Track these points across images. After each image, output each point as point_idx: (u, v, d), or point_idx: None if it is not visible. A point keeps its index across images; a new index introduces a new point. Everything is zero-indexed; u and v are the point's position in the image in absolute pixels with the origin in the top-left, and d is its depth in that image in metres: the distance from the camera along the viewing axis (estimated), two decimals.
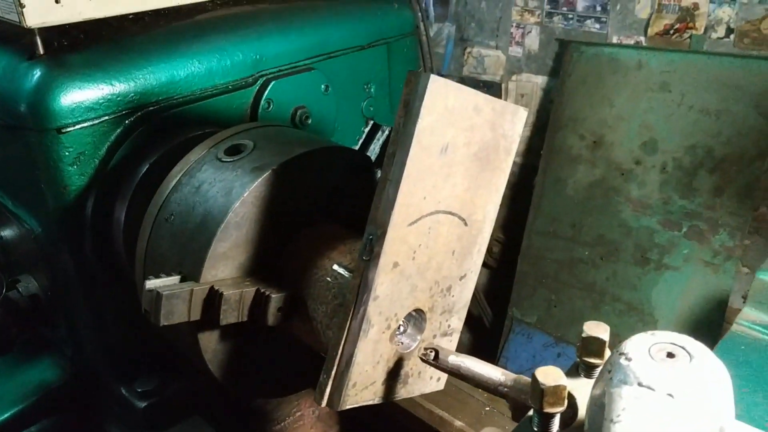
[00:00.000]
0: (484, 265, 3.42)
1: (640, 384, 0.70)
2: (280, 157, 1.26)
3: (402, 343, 1.20)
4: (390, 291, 1.09)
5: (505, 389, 1.07)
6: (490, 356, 2.92)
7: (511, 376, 1.08)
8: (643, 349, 0.74)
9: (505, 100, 3.14)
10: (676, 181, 2.52)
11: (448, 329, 1.28)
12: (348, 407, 1.13)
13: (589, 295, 2.69)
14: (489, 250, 3.34)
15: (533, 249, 2.87)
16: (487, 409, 1.70)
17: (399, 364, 1.20)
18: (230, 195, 1.21)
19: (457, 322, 1.29)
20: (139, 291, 1.37)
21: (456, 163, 1.11)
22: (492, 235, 3.36)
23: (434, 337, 1.25)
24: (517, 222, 3.09)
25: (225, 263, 1.22)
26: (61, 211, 1.50)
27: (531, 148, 3.15)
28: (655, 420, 0.65)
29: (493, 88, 3.21)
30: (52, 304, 1.69)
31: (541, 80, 3.04)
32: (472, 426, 1.64)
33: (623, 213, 2.63)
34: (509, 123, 1.18)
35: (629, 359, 0.73)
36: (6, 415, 1.76)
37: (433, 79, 1.00)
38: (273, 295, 1.19)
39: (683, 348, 0.74)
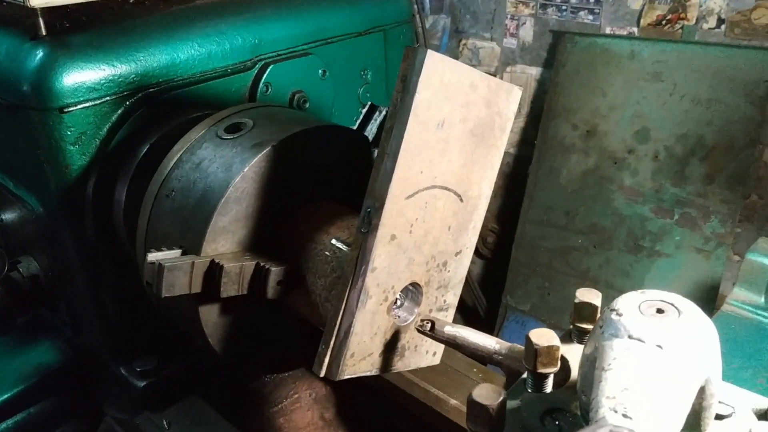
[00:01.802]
0: (479, 254, 3.46)
1: (630, 336, 0.72)
2: (279, 134, 1.28)
3: (399, 316, 1.23)
4: (387, 263, 1.12)
5: (500, 357, 1.10)
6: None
7: (506, 344, 1.11)
8: (634, 306, 0.77)
9: None
10: (668, 169, 2.56)
11: (443, 304, 1.30)
12: (346, 377, 1.15)
13: (582, 282, 2.72)
14: (483, 240, 3.37)
15: (527, 238, 2.90)
16: None
17: (396, 336, 1.23)
18: (230, 170, 1.23)
19: (453, 297, 1.32)
20: (140, 266, 1.39)
21: (452, 138, 1.13)
22: (486, 225, 3.40)
23: (430, 311, 1.27)
24: (511, 211, 3.13)
25: (225, 237, 1.24)
26: (63, 191, 1.52)
27: (525, 138, 3.18)
28: (644, 369, 0.68)
29: None
30: (53, 284, 1.71)
31: (535, 71, 3.07)
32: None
33: (616, 201, 2.66)
34: (504, 101, 1.21)
35: (620, 314, 0.76)
36: (5, 396, 1.77)
37: (430, 53, 1.01)
38: (273, 269, 1.21)
39: (672, 304, 0.77)
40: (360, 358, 1.18)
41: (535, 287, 2.87)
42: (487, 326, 3.09)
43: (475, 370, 1.81)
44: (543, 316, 2.80)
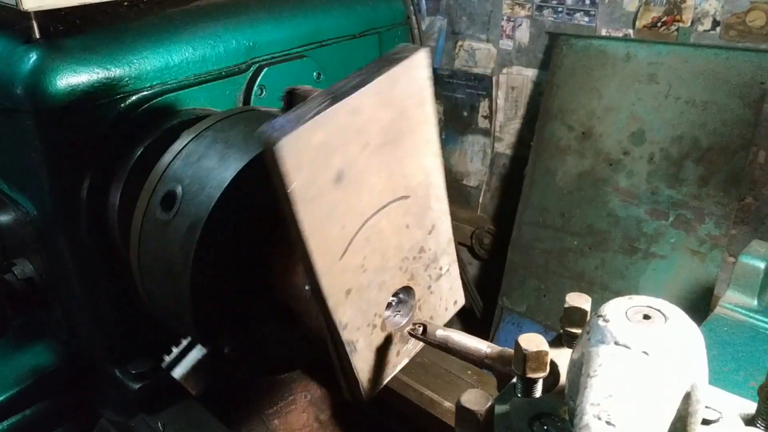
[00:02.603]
0: (475, 255, 3.46)
1: (616, 343, 0.73)
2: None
3: (396, 322, 1.23)
4: (356, 309, 1.05)
5: (490, 361, 1.10)
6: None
7: (497, 348, 1.11)
8: (621, 312, 0.78)
9: (496, 92, 3.18)
10: (663, 171, 2.56)
11: (441, 271, 1.27)
12: (372, 394, 1.14)
13: (578, 284, 2.72)
14: (479, 241, 3.37)
15: (523, 239, 2.91)
16: None
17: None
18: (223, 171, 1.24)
19: (447, 259, 1.27)
20: (134, 269, 1.40)
21: (362, 171, 1.00)
22: (482, 226, 3.38)
23: (429, 288, 1.24)
24: (507, 213, 3.13)
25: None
26: (57, 194, 1.52)
27: (521, 140, 3.18)
28: (630, 375, 0.68)
29: (484, 81, 3.24)
30: (48, 287, 1.71)
31: (531, 73, 3.08)
32: None
33: (611, 203, 2.67)
34: (407, 83, 1.04)
35: (607, 320, 0.76)
36: (0, 399, 1.78)
37: (280, 145, 0.84)
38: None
39: (659, 311, 0.78)
40: (376, 376, 1.17)
41: (530, 289, 2.88)
42: (483, 327, 3.10)
43: (469, 372, 1.81)
44: (539, 318, 2.81)
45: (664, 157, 2.56)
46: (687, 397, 0.73)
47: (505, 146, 3.27)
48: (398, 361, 1.21)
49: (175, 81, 1.61)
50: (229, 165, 1.26)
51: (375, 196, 1.04)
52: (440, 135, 3.39)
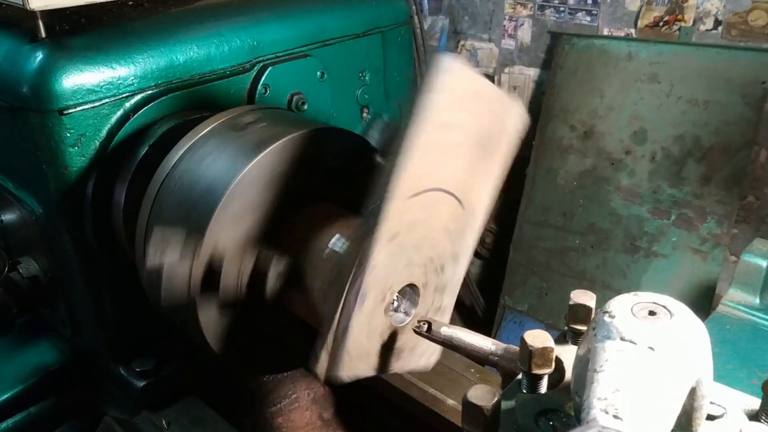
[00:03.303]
0: (477, 254, 3.47)
1: (622, 338, 0.73)
2: (285, 133, 1.30)
3: (397, 317, 1.24)
4: (387, 262, 1.12)
5: (496, 358, 1.11)
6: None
7: (501, 345, 1.12)
8: (626, 308, 0.78)
9: None
10: (665, 170, 2.57)
11: (440, 307, 1.31)
12: (344, 377, 1.16)
13: (579, 282, 2.73)
14: (482, 241, 3.38)
15: (525, 238, 2.91)
16: None
17: (393, 338, 1.23)
18: (235, 165, 1.24)
19: (449, 299, 1.32)
20: (138, 266, 1.40)
21: (459, 144, 1.13)
22: (485, 225, 3.41)
23: (427, 312, 1.28)
24: (510, 212, 3.14)
25: (227, 233, 1.25)
26: (62, 193, 1.53)
27: (523, 139, 3.19)
28: (636, 370, 0.69)
29: None
30: (52, 285, 1.72)
31: (533, 72, 3.08)
32: None
33: (613, 202, 2.68)
34: (512, 118, 1.22)
35: (612, 317, 0.77)
36: (5, 396, 1.78)
37: (452, 60, 1.03)
38: (273, 262, 1.22)
39: (664, 307, 0.78)
40: (357, 359, 1.18)
41: (532, 287, 2.89)
42: (485, 326, 3.10)
43: (472, 370, 1.82)
44: (540, 317, 2.81)
45: (666, 156, 2.57)
46: (692, 392, 0.74)
47: (513, 149, 3.27)
48: (386, 366, 1.23)
49: (180, 80, 1.62)
50: (235, 165, 1.27)
51: (452, 176, 1.13)
52: None
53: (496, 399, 0.79)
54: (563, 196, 2.79)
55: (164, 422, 1.66)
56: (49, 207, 1.57)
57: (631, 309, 0.78)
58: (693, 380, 0.73)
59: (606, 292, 2.66)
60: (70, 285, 1.67)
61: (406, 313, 1.25)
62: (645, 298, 0.80)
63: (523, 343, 0.90)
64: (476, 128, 1.13)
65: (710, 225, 2.47)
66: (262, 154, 1.26)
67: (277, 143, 1.28)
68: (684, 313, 0.78)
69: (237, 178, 1.23)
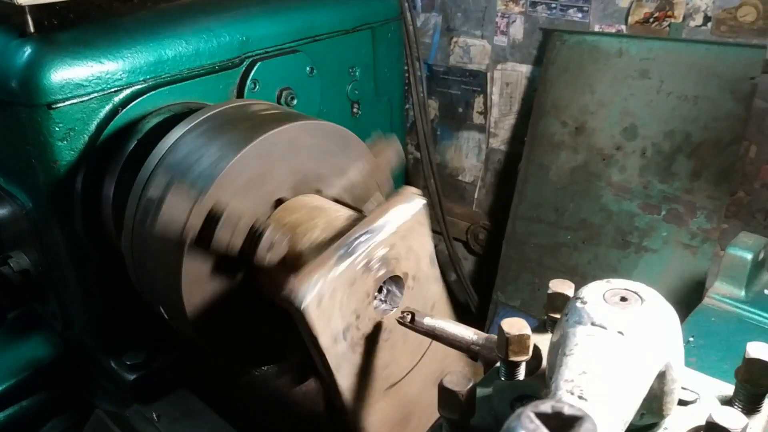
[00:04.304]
0: (470, 250, 3.48)
1: (593, 323, 0.75)
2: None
3: (383, 308, 1.26)
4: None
5: (477, 347, 1.12)
6: None
7: (483, 335, 1.13)
8: (598, 294, 0.79)
9: (491, 88, 3.19)
10: (655, 166, 2.58)
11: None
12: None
13: (571, 278, 2.71)
14: (474, 236, 3.39)
15: (517, 234, 2.92)
16: None
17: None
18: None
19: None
20: (127, 259, 1.41)
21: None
22: (477, 222, 3.39)
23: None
24: (502, 208, 3.15)
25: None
26: (52, 187, 1.54)
27: (515, 136, 3.20)
28: (604, 353, 0.70)
29: (478, 77, 3.26)
30: (43, 279, 1.73)
31: (525, 69, 3.09)
32: None
33: (604, 197, 2.69)
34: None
35: (585, 302, 0.78)
36: None
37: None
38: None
39: (635, 293, 0.79)
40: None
41: (525, 283, 2.90)
42: (478, 322, 3.11)
43: (461, 364, 1.82)
44: (533, 312, 2.82)
45: (657, 152, 2.58)
46: (662, 377, 0.75)
47: (499, 142, 3.28)
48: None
49: (169, 75, 1.63)
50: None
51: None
52: (435, 131, 3.42)
53: (470, 384, 0.80)
54: (555, 191, 2.80)
55: (155, 415, 1.67)
56: (39, 201, 1.58)
57: (603, 295, 0.79)
58: (662, 364, 0.74)
59: None
60: (61, 279, 1.68)
61: (393, 303, 1.27)
62: (618, 284, 0.82)
63: (500, 330, 0.92)
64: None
65: (700, 220, 2.48)
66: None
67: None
68: (655, 299, 0.79)
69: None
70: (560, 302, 1.01)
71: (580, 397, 0.62)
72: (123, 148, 1.54)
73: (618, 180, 2.66)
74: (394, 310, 1.27)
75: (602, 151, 2.70)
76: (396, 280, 1.27)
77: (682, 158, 2.53)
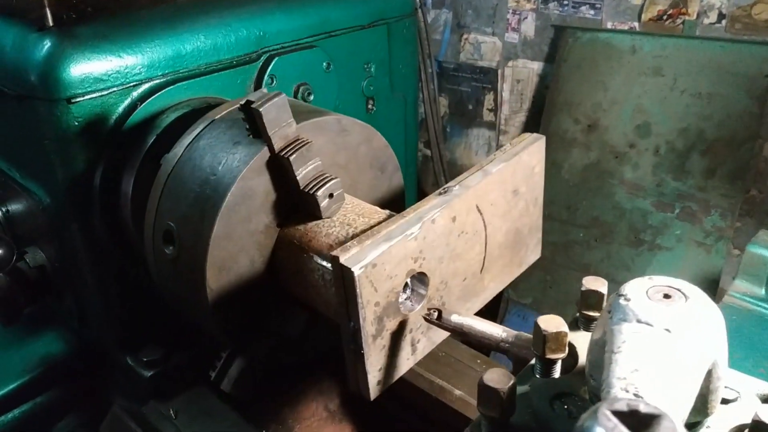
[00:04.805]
0: None
1: (638, 320, 0.74)
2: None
3: (408, 306, 1.24)
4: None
5: (507, 345, 1.11)
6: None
7: (512, 332, 1.12)
8: (642, 291, 0.78)
9: (502, 85, 3.18)
10: (669, 164, 2.57)
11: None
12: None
13: (583, 276, 2.73)
14: None
15: None
16: None
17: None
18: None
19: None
20: (148, 255, 1.40)
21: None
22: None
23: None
24: None
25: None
26: (70, 182, 1.53)
27: (528, 132, 3.19)
28: (654, 351, 0.69)
29: (489, 74, 3.25)
30: (59, 275, 1.72)
31: (536, 66, 3.08)
32: (472, 395, 1.68)
33: (617, 195, 2.68)
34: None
35: (628, 299, 0.77)
36: (13, 386, 1.79)
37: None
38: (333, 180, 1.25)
39: (679, 290, 0.78)
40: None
41: (536, 281, 2.89)
42: (489, 319, 3.10)
43: (479, 361, 1.82)
44: (544, 310, 2.81)
45: (670, 150, 2.57)
46: (708, 375, 0.74)
47: (510, 139, 3.27)
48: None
49: (187, 70, 1.62)
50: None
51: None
52: (445, 128, 3.40)
53: (511, 382, 0.79)
54: (567, 189, 2.79)
55: (172, 411, 1.67)
56: (57, 196, 1.57)
57: (646, 292, 0.78)
58: (709, 363, 0.73)
59: (610, 285, 2.66)
60: (78, 275, 1.67)
61: (417, 301, 1.26)
62: (660, 281, 0.81)
63: (536, 327, 0.91)
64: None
65: (714, 218, 2.47)
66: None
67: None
68: (699, 297, 0.78)
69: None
70: (594, 299, 1.00)
71: (636, 395, 0.61)
72: (142, 144, 1.52)
73: (631, 178, 2.65)
74: (418, 307, 1.26)
75: (615, 149, 2.69)
76: (420, 277, 1.26)
77: (695, 156, 2.52)
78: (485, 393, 0.79)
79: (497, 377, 0.79)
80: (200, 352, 1.78)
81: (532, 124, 3.12)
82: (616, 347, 0.70)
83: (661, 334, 0.72)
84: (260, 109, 1.21)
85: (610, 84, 2.71)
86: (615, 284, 2.50)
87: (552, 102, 2.89)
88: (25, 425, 1.83)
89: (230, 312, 1.30)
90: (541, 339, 0.89)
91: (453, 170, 3.47)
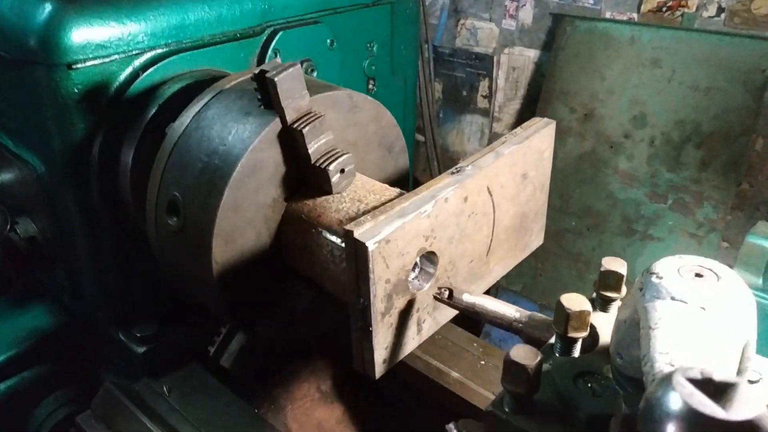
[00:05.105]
0: None
1: (673, 298, 0.73)
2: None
3: (419, 284, 1.23)
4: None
5: (520, 325, 1.10)
6: (475, 323, 2.96)
7: (526, 312, 1.11)
8: (673, 269, 0.78)
9: (497, 72, 3.17)
10: (663, 155, 2.58)
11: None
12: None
13: (574, 264, 2.74)
14: None
15: None
16: (482, 362, 1.74)
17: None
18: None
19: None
20: (149, 225, 1.36)
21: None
22: None
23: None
24: None
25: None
26: (67, 151, 1.48)
27: (519, 121, 3.19)
28: (692, 328, 0.68)
29: (485, 61, 3.23)
30: (52, 247, 1.67)
31: (533, 54, 3.07)
32: (469, 378, 1.68)
33: (611, 185, 2.69)
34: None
35: (660, 277, 0.76)
36: None
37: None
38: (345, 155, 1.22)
39: (710, 269, 0.78)
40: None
41: (527, 268, 2.90)
42: None
43: (475, 344, 1.82)
44: (534, 297, 2.82)
45: (665, 141, 2.58)
46: (741, 354, 0.74)
47: (503, 126, 3.27)
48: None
49: (191, 40, 1.58)
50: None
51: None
52: (438, 114, 3.39)
53: (538, 359, 0.78)
54: (561, 178, 2.80)
55: (165, 389, 1.64)
56: (53, 166, 1.53)
57: (678, 270, 0.77)
58: (743, 341, 0.73)
59: None
60: (71, 248, 1.63)
61: (425, 279, 1.24)
62: (690, 261, 0.80)
63: (559, 306, 0.90)
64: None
65: (707, 210, 2.49)
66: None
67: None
68: (731, 276, 0.77)
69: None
70: (613, 280, 0.99)
71: None
72: (143, 114, 1.48)
73: (625, 168, 2.66)
74: (427, 286, 1.25)
75: (610, 139, 2.70)
76: (429, 256, 1.24)
77: (690, 148, 2.53)
78: (512, 369, 0.78)
79: (524, 353, 0.78)
80: (195, 328, 1.75)
81: (526, 112, 3.11)
82: (653, 323, 0.69)
83: (697, 312, 0.71)
84: (275, 79, 1.18)
85: (608, 74, 2.71)
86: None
87: (548, 90, 2.88)
88: (10, 400, 1.79)
89: (234, 287, 1.28)
90: (564, 317, 0.88)
91: (445, 157, 3.46)
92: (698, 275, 0.77)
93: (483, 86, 3.26)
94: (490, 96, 3.25)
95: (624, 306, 0.82)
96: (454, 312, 1.36)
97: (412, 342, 1.27)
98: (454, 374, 1.69)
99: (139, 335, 1.67)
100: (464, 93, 3.33)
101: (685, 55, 2.54)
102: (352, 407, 1.95)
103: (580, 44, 2.78)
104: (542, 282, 2.83)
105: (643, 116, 2.61)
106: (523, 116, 3.15)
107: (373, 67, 2.10)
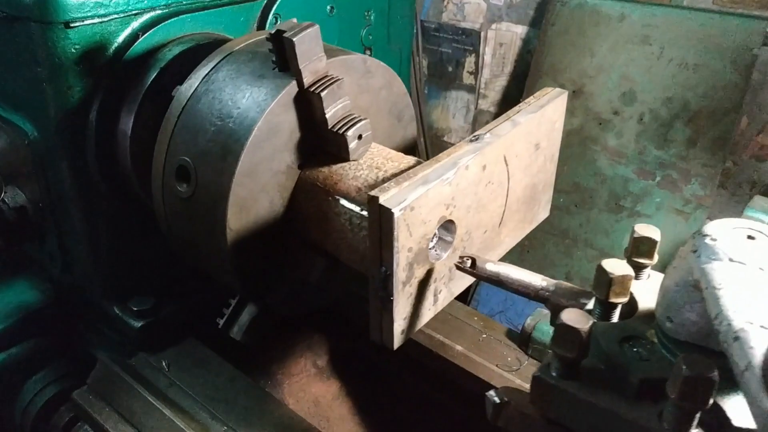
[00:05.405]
0: None
1: (731, 260, 0.72)
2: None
3: (438, 253, 1.21)
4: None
5: (547, 294, 1.09)
6: (461, 300, 2.96)
7: (552, 281, 1.10)
8: (726, 231, 0.77)
9: (484, 48, 3.15)
10: (652, 132, 2.60)
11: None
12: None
13: (562, 240, 2.76)
14: None
15: None
16: (484, 336, 1.73)
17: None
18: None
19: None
20: (154, 187, 1.30)
21: None
22: None
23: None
24: None
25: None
26: (62, 115, 1.42)
27: (505, 98, 3.17)
28: (756, 288, 0.68)
29: (471, 36, 3.20)
30: (42, 217, 1.60)
31: (521, 30, 3.05)
32: (471, 351, 1.67)
33: (599, 162, 2.70)
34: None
35: (714, 239, 0.75)
36: None
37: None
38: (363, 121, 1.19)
39: (761, 232, 0.77)
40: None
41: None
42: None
43: (475, 318, 1.81)
44: None
45: (654, 118, 2.59)
46: None
47: (489, 103, 3.25)
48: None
49: (191, 2, 1.52)
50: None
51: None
52: (423, 90, 3.36)
53: (591, 323, 0.77)
54: None
55: (164, 363, 1.60)
56: (47, 131, 1.46)
57: (731, 232, 0.77)
58: None
59: (588, 250, 2.70)
60: (65, 217, 1.56)
61: (443, 249, 1.22)
62: (739, 223, 0.79)
63: (601, 270, 0.89)
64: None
65: (694, 187, 2.52)
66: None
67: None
68: None
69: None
70: (646, 246, 0.98)
71: (762, 327, 0.59)
72: (144, 77, 1.42)
73: (614, 145, 2.67)
74: (445, 255, 1.23)
75: (599, 116, 2.70)
76: (448, 225, 1.22)
77: (679, 125, 2.55)
78: (564, 333, 0.77)
79: (576, 317, 0.77)
80: (192, 302, 1.70)
81: (513, 89, 3.10)
82: (717, 284, 0.68)
83: (756, 273, 0.70)
84: (294, 39, 1.14)
85: (597, 51, 2.71)
86: (593, 250, 2.51)
87: (537, 67, 2.87)
88: None
89: (247, 256, 1.24)
90: (607, 282, 0.87)
91: (429, 133, 3.43)
92: (750, 237, 0.76)
93: (469, 62, 3.23)
94: (476, 72, 3.23)
95: (672, 269, 0.81)
96: (467, 283, 1.34)
97: (428, 313, 1.25)
98: (458, 347, 1.68)
99: (135, 309, 1.62)
100: (450, 69, 3.30)
101: (675, 33, 2.55)
102: (348, 383, 1.94)
103: (569, 21, 2.77)
104: (529, 258, 2.84)
105: (632, 93, 2.63)
106: (509, 93, 3.13)
107: (371, 37, 2.06)
